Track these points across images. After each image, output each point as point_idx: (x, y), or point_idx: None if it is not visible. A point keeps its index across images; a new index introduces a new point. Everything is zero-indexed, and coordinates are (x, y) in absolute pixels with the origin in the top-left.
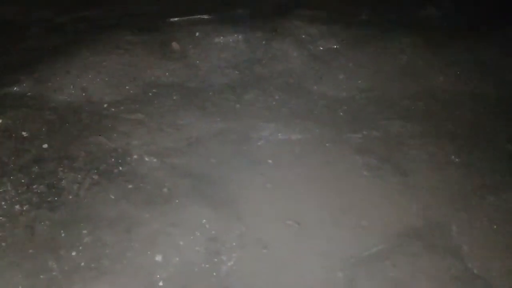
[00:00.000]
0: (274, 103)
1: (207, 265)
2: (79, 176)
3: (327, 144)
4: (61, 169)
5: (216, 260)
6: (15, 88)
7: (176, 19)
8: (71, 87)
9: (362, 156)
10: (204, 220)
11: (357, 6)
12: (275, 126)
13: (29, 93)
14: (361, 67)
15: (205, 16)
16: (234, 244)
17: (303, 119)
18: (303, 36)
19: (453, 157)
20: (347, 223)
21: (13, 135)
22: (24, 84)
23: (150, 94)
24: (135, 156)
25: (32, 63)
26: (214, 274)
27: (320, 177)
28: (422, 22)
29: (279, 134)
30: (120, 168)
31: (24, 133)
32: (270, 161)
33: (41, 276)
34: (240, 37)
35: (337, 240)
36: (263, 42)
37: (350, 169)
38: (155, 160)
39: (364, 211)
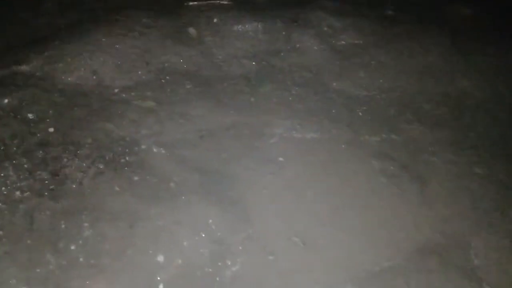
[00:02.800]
0: (290, 98)
1: (210, 269)
2: (84, 164)
3: (343, 146)
4: (66, 155)
5: (220, 264)
6: (24, 67)
7: (195, 3)
8: (82, 69)
9: (380, 160)
10: (210, 220)
11: (385, 0)
12: (290, 123)
13: (38, 73)
14: (383, 65)
15: (225, 2)
16: (240, 248)
17: (319, 117)
18: (325, 29)
19: (476, 168)
20: (359, 233)
21: (19, 116)
22: (34, 63)
23: (163, 81)
24: (143, 146)
25: (43, 41)
26: (217, 279)
27: (333, 181)
28: (451, 21)
29: (294, 132)
30: (127, 158)
31: (30, 115)
32: (282, 159)
33: (37, 270)
34: (259, 26)
35: (347, 252)
36: (283, 33)
37: (366, 174)
38: (163, 151)
39: (378, 221)
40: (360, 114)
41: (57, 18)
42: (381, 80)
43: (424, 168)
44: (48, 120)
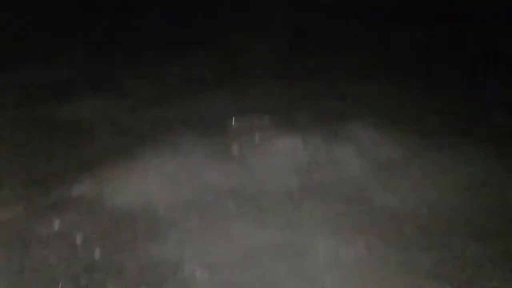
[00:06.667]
0: (334, 213)
1: None
2: None
3: (393, 265)
4: (110, 280)
5: None
6: (76, 189)
7: (237, 121)
8: (130, 190)
9: (434, 282)
10: None
11: (423, 113)
12: (335, 240)
13: (89, 195)
14: (428, 178)
15: (266, 120)
16: None
17: (365, 234)
18: (365, 143)
19: None
20: None
21: (67, 240)
22: (85, 186)
23: (207, 199)
24: (186, 269)
25: (95, 164)
26: None
27: None
28: (494, 131)
29: (339, 250)
30: (170, 282)
31: (78, 238)
32: (329, 281)
33: None
34: (300, 142)
35: None
36: (324, 148)
37: None
38: (207, 275)
39: None
40: (408, 230)
41: (109, 142)
42: (427, 194)
43: None
44: (94, 243)
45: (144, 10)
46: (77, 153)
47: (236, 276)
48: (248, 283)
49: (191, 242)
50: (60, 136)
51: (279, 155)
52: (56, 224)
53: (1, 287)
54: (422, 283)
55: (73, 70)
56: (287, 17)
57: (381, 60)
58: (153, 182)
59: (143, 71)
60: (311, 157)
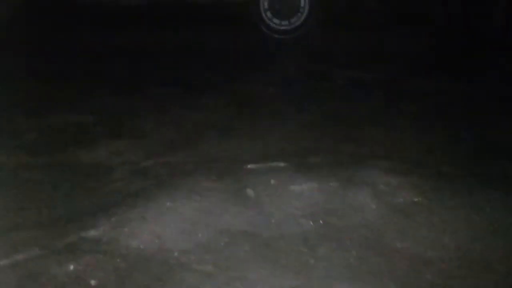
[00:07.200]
0: (351, 259)
1: None
2: None
3: None
4: None
5: None
6: (91, 232)
7: (253, 166)
8: (146, 233)
9: None
10: None
11: (438, 157)
12: (353, 286)
13: (104, 238)
14: (447, 223)
15: (281, 164)
16: None
17: (385, 281)
18: (382, 187)
19: None
20: None
21: (81, 283)
22: (101, 229)
23: (222, 243)
24: None
25: (112, 207)
26: None
27: None
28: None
29: None
30: None
31: (92, 281)
32: None
33: None
34: (315, 185)
35: None
36: (339, 192)
37: None
38: None
39: None
40: (429, 276)
41: (125, 185)
42: (446, 239)
43: None
44: (108, 286)
45: (163, 58)
46: (94, 195)
47: None
48: None
49: (206, 286)
50: (77, 179)
51: (295, 198)
52: (72, 266)
53: None
54: None
55: (92, 114)
56: (299, 67)
57: (396, 106)
58: (168, 225)
59: (161, 116)
60: (327, 201)
